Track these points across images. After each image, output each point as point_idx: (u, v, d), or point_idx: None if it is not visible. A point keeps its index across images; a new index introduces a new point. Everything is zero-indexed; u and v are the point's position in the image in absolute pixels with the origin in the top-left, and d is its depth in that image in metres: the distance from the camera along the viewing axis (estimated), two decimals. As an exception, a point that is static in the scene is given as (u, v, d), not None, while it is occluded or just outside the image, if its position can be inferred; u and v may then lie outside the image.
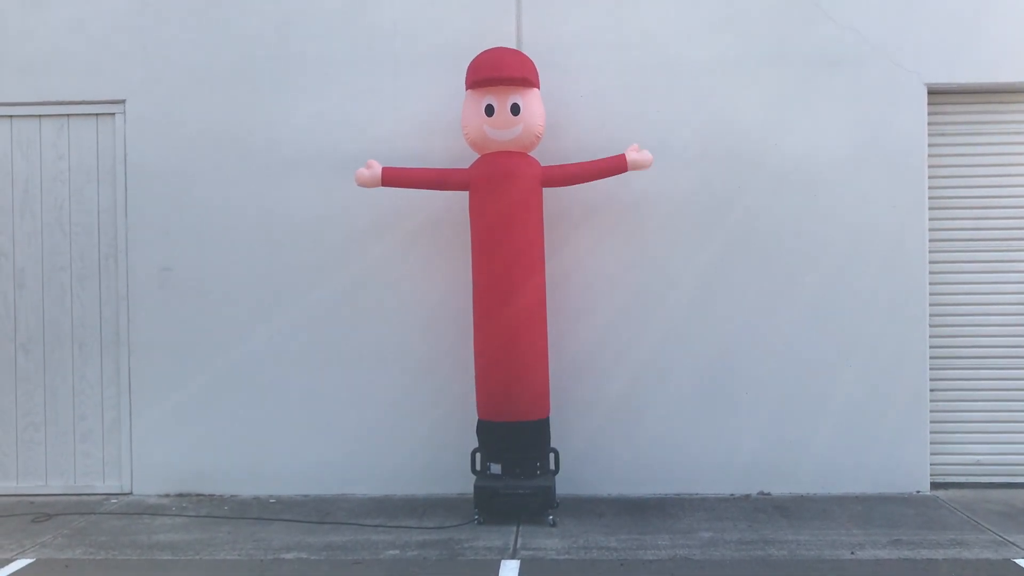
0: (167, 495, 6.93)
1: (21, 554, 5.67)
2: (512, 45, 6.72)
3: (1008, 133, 6.91)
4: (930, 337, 6.79)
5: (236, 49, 6.93)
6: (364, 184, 6.34)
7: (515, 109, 6.10)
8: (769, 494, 6.77)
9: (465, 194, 6.35)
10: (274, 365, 6.89)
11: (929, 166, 6.79)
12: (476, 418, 6.33)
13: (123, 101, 6.97)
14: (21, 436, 7.05)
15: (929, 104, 6.77)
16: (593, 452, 6.77)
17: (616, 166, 6.33)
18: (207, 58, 6.93)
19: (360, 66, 6.87)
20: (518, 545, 5.72)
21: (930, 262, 6.79)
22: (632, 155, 6.33)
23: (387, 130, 6.81)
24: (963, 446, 6.93)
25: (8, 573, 5.35)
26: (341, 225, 6.86)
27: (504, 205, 6.09)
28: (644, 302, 6.80)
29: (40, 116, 7.04)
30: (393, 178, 6.34)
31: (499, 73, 6.07)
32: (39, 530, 6.17)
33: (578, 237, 6.79)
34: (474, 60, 6.22)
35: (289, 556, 5.60)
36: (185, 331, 6.93)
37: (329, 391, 6.87)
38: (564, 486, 6.58)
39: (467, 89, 6.25)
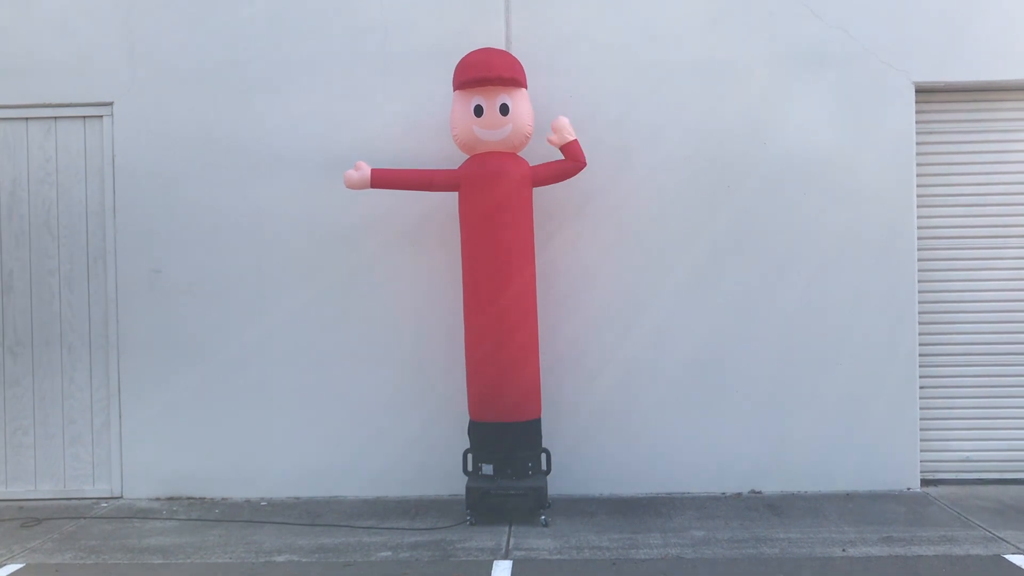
0: (157, 498, 6.91)
1: (10, 559, 5.64)
2: (501, 45, 6.72)
3: (996, 131, 6.95)
4: (919, 334, 6.82)
5: (224, 50, 6.90)
6: (353, 186, 6.33)
7: (504, 109, 6.10)
8: (760, 492, 6.79)
9: (455, 194, 6.35)
10: (265, 367, 6.88)
11: (918, 164, 6.82)
12: (468, 419, 6.33)
13: (111, 103, 6.94)
14: (10, 440, 7.01)
15: (917, 103, 6.80)
16: (584, 452, 6.78)
17: (566, 152, 6.30)
18: (195, 59, 6.91)
19: (349, 66, 6.86)
20: (510, 546, 5.72)
21: (919, 260, 6.83)
22: (552, 139, 6.27)
23: (376, 130, 6.80)
24: (953, 443, 6.96)
25: (-3, 578, 5.34)
26: (330, 225, 6.85)
27: (494, 205, 6.09)
28: (633, 301, 6.81)
29: (27, 118, 7.00)
30: (382, 180, 6.33)
31: (488, 73, 6.07)
32: (28, 535, 6.14)
33: (567, 236, 6.79)
34: (462, 61, 6.22)
35: (280, 559, 5.58)
36: (174, 333, 6.90)
37: (320, 392, 6.86)
38: (555, 486, 6.59)
39: (455, 90, 6.25)
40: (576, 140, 6.30)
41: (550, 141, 6.31)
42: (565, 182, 6.46)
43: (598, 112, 6.69)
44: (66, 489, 6.99)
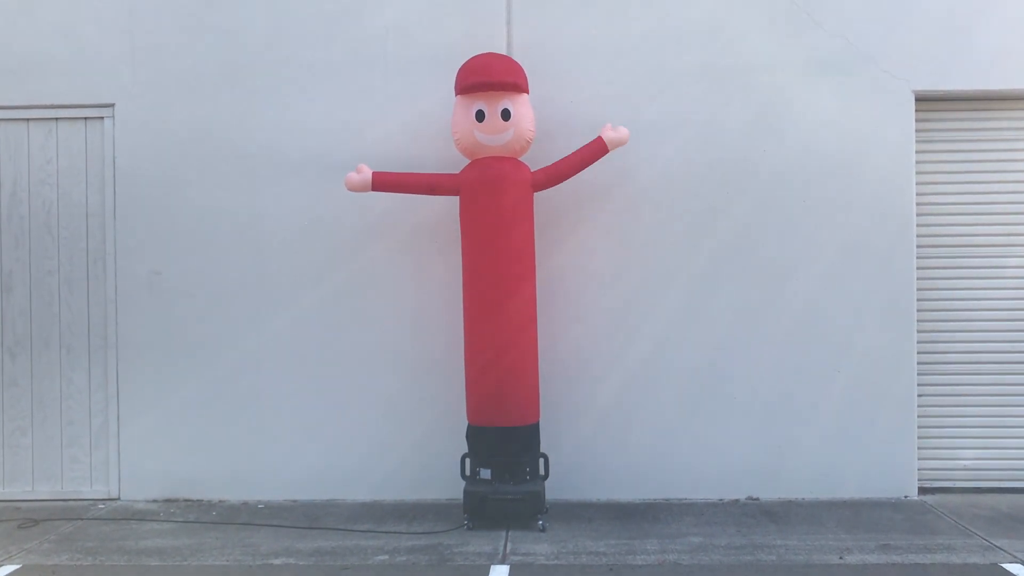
0: (155, 500, 6.90)
1: (7, 560, 5.63)
2: (502, 51, 6.73)
3: (996, 140, 6.96)
4: (918, 343, 6.83)
5: (226, 53, 6.91)
6: (354, 189, 6.34)
7: (505, 114, 6.11)
8: (758, 499, 6.78)
9: (456, 199, 6.36)
10: (263, 370, 6.87)
11: (917, 172, 6.83)
12: (466, 423, 6.33)
13: (112, 105, 6.95)
14: (8, 441, 7.01)
15: (917, 111, 6.81)
16: (583, 457, 6.78)
17: (597, 149, 6.36)
18: (197, 62, 6.92)
19: (351, 71, 6.87)
20: (508, 550, 5.72)
21: (918, 268, 6.83)
22: (608, 134, 6.36)
23: (378, 135, 6.81)
24: (951, 451, 6.96)
25: (-6, 579, 5.34)
26: (331, 229, 6.85)
27: (495, 210, 6.09)
28: (634, 308, 6.81)
29: (28, 119, 7.01)
30: (383, 183, 6.34)
31: (489, 78, 6.08)
32: (25, 536, 6.13)
33: (568, 243, 6.80)
34: (464, 66, 6.23)
35: (278, 562, 5.58)
36: (174, 335, 6.90)
37: (319, 396, 6.86)
38: (554, 491, 6.58)
39: (457, 95, 6.26)
40: (601, 154, 6.37)
41: (605, 127, 6.37)
42: (568, 187, 6.47)
43: (599, 118, 6.68)
44: (64, 490, 6.99)
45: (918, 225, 6.83)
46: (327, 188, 6.76)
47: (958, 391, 6.95)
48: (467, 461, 6.29)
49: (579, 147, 6.41)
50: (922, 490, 6.86)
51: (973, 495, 6.85)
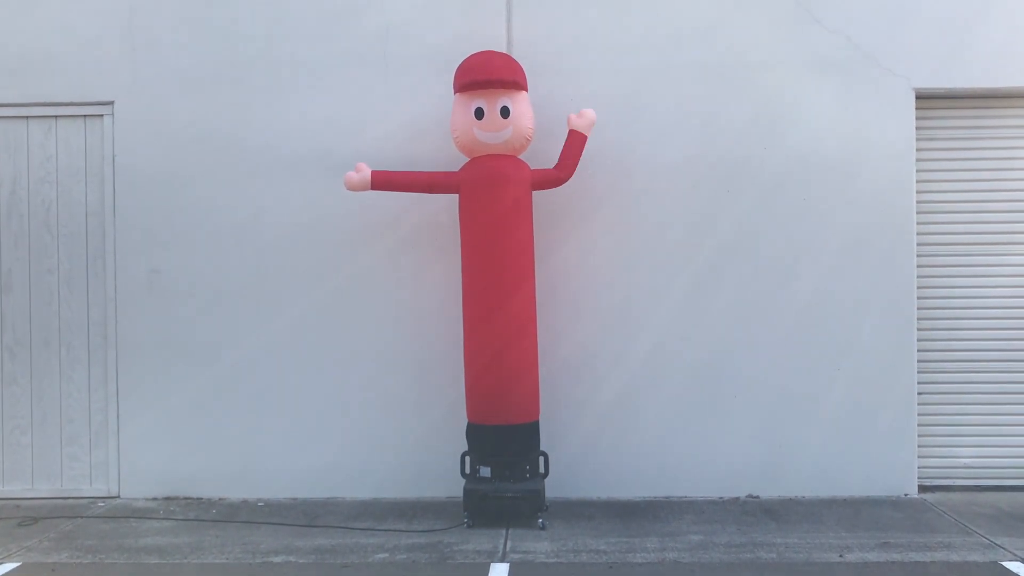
0: (155, 498, 6.90)
1: (7, 558, 5.63)
2: (502, 49, 6.73)
3: (996, 138, 6.95)
4: (919, 341, 6.82)
5: (226, 51, 6.91)
6: (353, 188, 6.34)
7: (505, 112, 6.11)
8: (758, 497, 6.78)
9: (455, 197, 6.35)
10: (263, 368, 6.87)
11: (918, 170, 6.82)
12: (466, 421, 6.33)
13: (111, 103, 6.94)
14: (8, 439, 7.01)
15: (918, 109, 6.81)
16: (583, 455, 6.77)
17: (576, 141, 6.35)
18: (197, 60, 6.92)
19: (351, 69, 6.86)
20: (507, 548, 5.72)
21: (919, 266, 6.83)
22: (576, 121, 6.34)
23: (377, 133, 6.81)
24: (951, 449, 6.96)
25: (-7, 577, 5.33)
26: (331, 228, 6.85)
27: (494, 208, 6.09)
28: (635, 306, 6.81)
29: (27, 117, 7.00)
30: (383, 182, 6.34)
31: (488, 76, 6.08)
32: (25, 534, 6.13)
33: (569, 241, 6.80)
34: (463, 63, 6.23)
35: (278, 560, 5.58)
36: (173, 334, 6.90)
37: (319, 394, 6.86)
38: (554, 489, 6.58)
39: (456, 93, 6.25)
40: (584, 141, 6.31)
41: (569, 118, 6.34)
42: (569, 186, 6.46)
43: (600, 116, 6.67)
44: (63, 488, 6.99)
45: (918, 224, 6.82)
46: (327, 187, 6.76)
47: (959, 389, 6.95)
48: (467, 459, 6.29)
49: (588, 157, 6.44)
50: (922, 488, 6.86)
51: (973, 493, 6.85)
